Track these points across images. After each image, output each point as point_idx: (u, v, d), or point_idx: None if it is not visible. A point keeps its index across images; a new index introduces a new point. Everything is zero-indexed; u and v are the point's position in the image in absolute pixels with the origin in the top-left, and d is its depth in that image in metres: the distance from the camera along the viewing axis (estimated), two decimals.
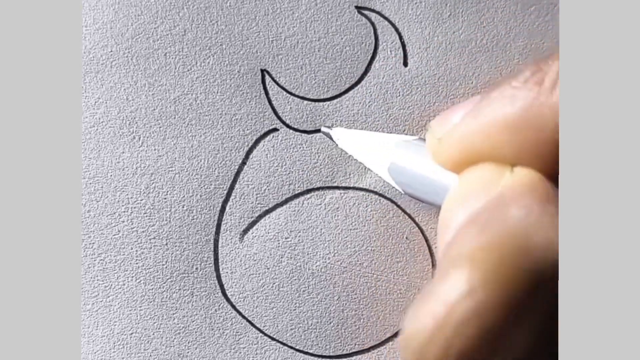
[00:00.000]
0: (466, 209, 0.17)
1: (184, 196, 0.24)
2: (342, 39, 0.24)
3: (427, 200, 0.20)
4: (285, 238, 0.24)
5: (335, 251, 0.24)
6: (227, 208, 0.24)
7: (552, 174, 0.17)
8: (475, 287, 0.14)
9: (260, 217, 0.24)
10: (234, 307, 0.24)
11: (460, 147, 0.18)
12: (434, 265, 0.24)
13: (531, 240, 0.15)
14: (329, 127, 0.24)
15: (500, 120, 0.17)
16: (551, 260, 0.15)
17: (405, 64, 0.25)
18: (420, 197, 0.20)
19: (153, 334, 0.24)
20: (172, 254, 0.24)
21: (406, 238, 0.24)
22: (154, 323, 0.24)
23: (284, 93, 0.24)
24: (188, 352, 0.24)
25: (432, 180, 0.19)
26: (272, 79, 0.24)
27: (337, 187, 0.24)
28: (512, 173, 0.17)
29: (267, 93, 0.24)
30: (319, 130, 0.24)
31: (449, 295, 0.15)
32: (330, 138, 0.24)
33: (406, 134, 0.24)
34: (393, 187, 0.24)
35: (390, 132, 0.24)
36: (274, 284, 0.24)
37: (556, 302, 0.15)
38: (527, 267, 0.15)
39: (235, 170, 0.24)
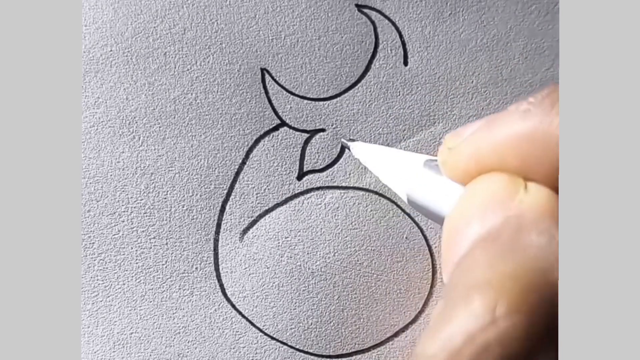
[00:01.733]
0: (483, 223, 0.16)
1: (184, 196, 0.24)
2: (342, 37, 0.24)
3: (434, 214, 0.20)
4: (285, 238, 0.24)
5: (335, 251, 0.24)
6: (227, 208, 0.24)
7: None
8: (499, 316, 0.14)
9: (260, 216, 0.24)
10: (234, 306, 0.24)
11: (469, 157, 0.18)
12: (434, 265, 0.24)
13: (554, 274, 0.15)
14: (350, 140, 0.24)
15: (510, 134, 0.17)
16: None
17: (406, 63, 0.24)
18: (430, 210, 0.20)
19: (153, 334, 0.24)
20: (172, 253, 0.24)
21: (406, 238, 0.24)
22: (154, 323, 0.24)
23: (284, 92, 0.24)
24: (188, 352, 0.24)
25: (441, 193, 0.19)
26: (272, 78, 0.24)
27: (337, 187, 0.24)
28: (527, 190, 0.17)
29: (267, 92, 0.24)
30: (319, 130, 0.24)
31: (469, 324, 0.15)
32: (349, 150, 0.24)
33: (427, 153, 0.24)
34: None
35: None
36: (273, 283, 0.24)
37: None
38: (550, 300, 0.15)
39: (235, 170, 0.24)
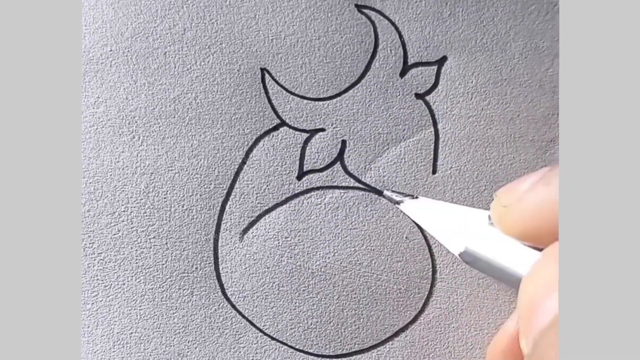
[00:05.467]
0: None
1: (184, 196, 0.24)
2: (342, 37, 0.24)
3: (499, 279, 0.20)
4: (285, 238, 0.24)
5: (335, 251, 0.24)
6: (227, 207, 0.24)
7: None
8: None
9: (260, 216, 0.24)
10: (233, 306, 0.24)
11: (529, 214, 0.18)
12: (434, 265, 0.24)
13: None
14: (398, 193, 0.24)
15: None
16: None
17: (405, 62, 0.25)
18: (494, 276, 0.20)
19: (153, 334, 0.24)
20: (172, 253, 0.24)
21: (406, 238, 0.24)
22: (154, 323, 0.24)
23: (284, 92, 0.24)
24: (188, 352, 0.24)
25: (506, 262, 0.19)
26: (272, 77, 0.24)
27: (337, 187, 0.24)
28: None
29: (266, 92, 0.24)
30: (318, 130, 0.24)
31: None
32: (397, 205, 0.24)
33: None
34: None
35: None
36: (274, 283, 0.24)
37: None
38: None
39: (235, 170, 0.24)
